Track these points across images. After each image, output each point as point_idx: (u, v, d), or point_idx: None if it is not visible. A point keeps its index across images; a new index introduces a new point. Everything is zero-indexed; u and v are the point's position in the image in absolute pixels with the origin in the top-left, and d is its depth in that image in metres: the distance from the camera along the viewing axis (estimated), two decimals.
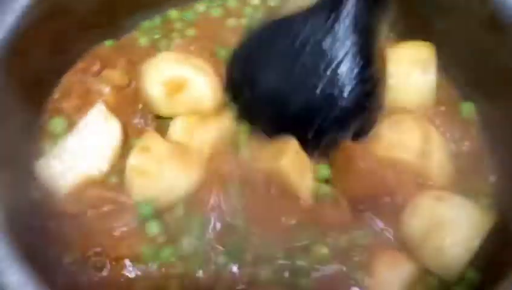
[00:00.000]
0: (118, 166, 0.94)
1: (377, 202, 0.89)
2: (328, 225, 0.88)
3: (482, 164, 0.98)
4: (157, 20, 1.17)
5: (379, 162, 0.91)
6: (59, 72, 1.05)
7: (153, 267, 0.87)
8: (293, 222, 0.88)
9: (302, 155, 0.92)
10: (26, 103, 0.96)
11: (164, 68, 0.98)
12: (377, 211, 0.90)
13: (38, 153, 0.97)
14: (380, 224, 0.90)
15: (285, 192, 0.89)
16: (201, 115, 0.97)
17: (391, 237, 0.89)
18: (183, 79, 0.96)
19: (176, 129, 0.97)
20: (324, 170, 0.93)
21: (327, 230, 0.88)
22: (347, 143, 0.92)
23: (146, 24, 1.16)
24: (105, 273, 0.87)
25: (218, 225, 0.89)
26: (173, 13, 1.18)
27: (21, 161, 0.93)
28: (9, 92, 0.91)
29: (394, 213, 0.89)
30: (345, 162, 0.91)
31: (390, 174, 0.90)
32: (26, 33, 0.92)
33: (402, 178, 0.91)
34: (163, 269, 0.87)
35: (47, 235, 0.87)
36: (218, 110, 0.99)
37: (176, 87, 0.96)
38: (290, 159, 0.88)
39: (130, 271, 0.87)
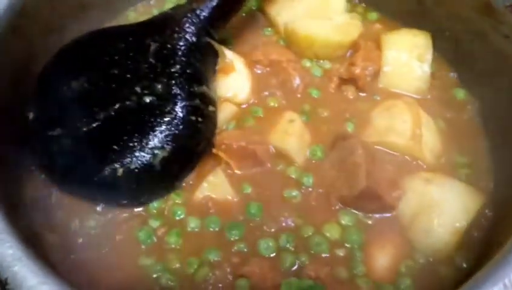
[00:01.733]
0: None
1: (368, 204, 0.89)
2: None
3: (473, 146, 1.00)
4: None
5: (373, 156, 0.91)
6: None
7: None
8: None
9: (305, 136, 0.96)
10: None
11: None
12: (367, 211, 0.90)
13: None
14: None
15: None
16: None
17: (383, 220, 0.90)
18: (232, 65, 1.02)
19: None
20: (319, 151, 0.95)
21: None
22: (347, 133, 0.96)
23: None
24: None
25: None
26: None
27: None
28: None
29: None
30: (344, 154, 0.92)
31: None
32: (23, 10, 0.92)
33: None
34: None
35: None
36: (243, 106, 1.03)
37: (226, 69, 1.01)
38: (294, 141, 0.94)
39: None
